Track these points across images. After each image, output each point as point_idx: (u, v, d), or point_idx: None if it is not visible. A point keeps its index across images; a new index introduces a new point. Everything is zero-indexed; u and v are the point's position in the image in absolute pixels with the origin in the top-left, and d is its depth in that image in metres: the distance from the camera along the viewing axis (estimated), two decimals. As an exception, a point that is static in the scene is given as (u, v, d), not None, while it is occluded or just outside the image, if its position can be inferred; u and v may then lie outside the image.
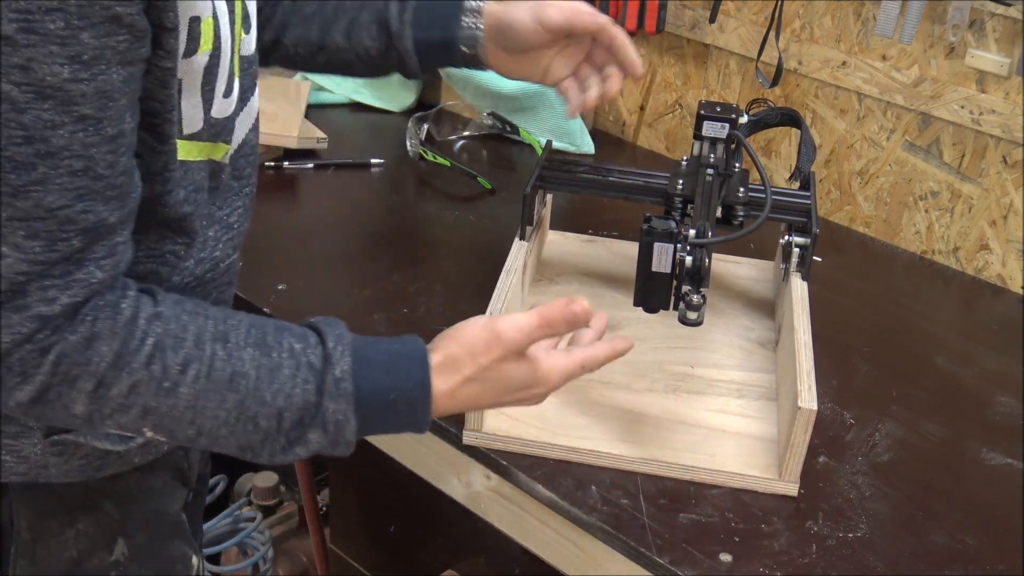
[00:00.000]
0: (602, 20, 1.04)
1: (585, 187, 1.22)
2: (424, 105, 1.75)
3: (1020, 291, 1.40)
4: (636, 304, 1.04)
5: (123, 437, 0.88)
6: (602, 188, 1.21)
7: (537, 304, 1.22)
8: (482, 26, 1.06)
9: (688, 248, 0.99)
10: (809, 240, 1.12)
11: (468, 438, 1.03)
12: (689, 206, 1.13)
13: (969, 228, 1.43)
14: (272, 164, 1.55)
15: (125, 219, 0.73)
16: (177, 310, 0.75)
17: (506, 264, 1.13)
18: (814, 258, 1.19)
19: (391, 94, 1.74)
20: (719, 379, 1.13)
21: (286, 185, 1.53)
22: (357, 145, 1.65)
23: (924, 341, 1.28)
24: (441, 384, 0.82)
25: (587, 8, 1.05)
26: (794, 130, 1.46)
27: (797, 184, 1.22)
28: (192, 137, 0.80)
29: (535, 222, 1.21)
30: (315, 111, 1.71)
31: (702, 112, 1.16)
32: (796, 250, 1.14)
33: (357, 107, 1.77)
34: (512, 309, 1.11)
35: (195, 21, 0.74)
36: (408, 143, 1.60)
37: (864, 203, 1.52)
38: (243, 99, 0.87)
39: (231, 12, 0.80)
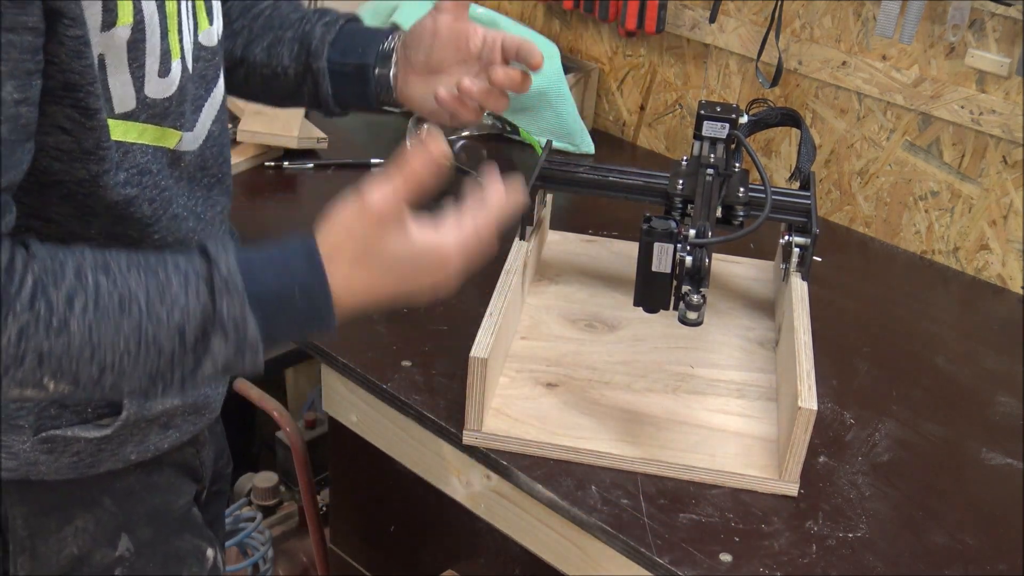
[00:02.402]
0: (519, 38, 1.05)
1: (585, 187, 1.22)
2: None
3: (1020, 291, 1.40)
4: (636, 304, 1.04)
5: (100, 423, 0.88)
6: (602, 188, 1.21)
7: (538, 305, 1.22)
8: (397, 48, 1.05)
9: (688, 248, 0.99)
10: (809, 240, 1.13)
11: (468, 438, 1.03)
12: (689, 206, 1.13)
13: (969, 228, 1.43)
14: (272, 164, 1.55)
15: (8, 178, 0.70)
16: (52, 250, 0.72)
17: (506, 264, 1.13)
18: (814, 258, 1.19)
19: (391, 94, 1.73)
20: (719, 379, 1.13)
21: (286, 185, 1.53)
22: (357, 145, 1.65)
23: (924, 341, 1.28)
24: (332, 271, 0.77)
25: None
26: (794, 130, 1.46)
27: (797, 184, 1.22)
28: (126, 117, 0.79)
29: (535, 222, 1.22)
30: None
31: (702, 112, 1.16)
32: (796, 250, 1.14)
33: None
34: (512, 309, 1.12)
35: None
36: (408, 143, 1.60)
37: (864, 203, 1.52)
38: (206, 88, 0.86)
39: None
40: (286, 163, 1.56)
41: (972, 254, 1.44)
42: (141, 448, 0.92)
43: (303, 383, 1.81)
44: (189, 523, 1.01)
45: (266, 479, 1.76)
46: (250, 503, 1.77)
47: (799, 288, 1.13)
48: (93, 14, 0.72)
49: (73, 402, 0.88)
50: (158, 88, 0.81)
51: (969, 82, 1.36)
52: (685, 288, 0.98)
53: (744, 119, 1.17)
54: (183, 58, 0.83)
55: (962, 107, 1.37)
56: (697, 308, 0.98)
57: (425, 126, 0.80)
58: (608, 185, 1.21)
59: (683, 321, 1.00)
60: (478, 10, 1.65)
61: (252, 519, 1.70)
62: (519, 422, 1.05)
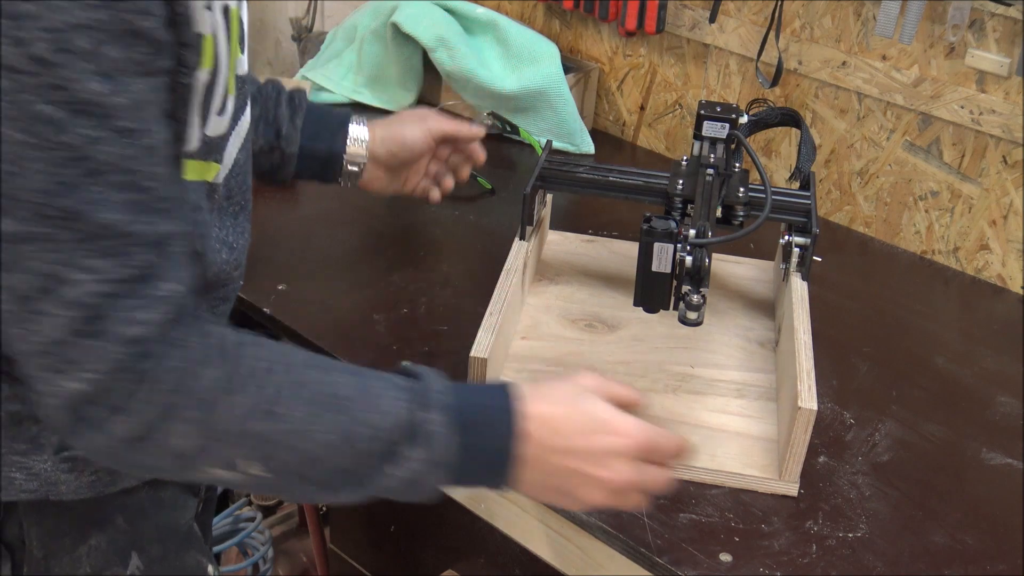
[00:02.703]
0: (473, 128, 1.27)
1: (585, 187, 1.22)
2: (424, 105, 1.74)
3: (1020, 291, 1.40)
4: (636, 304, 1.04)
5: None
6: (602, 188, 1.21)
7: (538, 305, 1.22)
8: (366, 140, 1.18)
9: (688, 248, 0.99)
10: (809, 240, 1.12)
11: None
12: (689, 206, 1.13)
13: (969, 228, 1.43)
14: (272, 164, 1.55)
15: (182, 228, 0.71)
16: (256, 338, 0.74)
17: (506, 264, 1.13)
18: (814, 258, 1.19)
19: (391, 94, 1.73)
20: (719, 379, 1.13)
21: (286, 185, 1.52)
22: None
23: (924, 341, 1.28)
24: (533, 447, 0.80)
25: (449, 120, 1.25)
26: (794, 130, 1.46)
27: (797, 184, 1.22)
28: (191, 156, 0.79)
29: (535, 222, 1.22)
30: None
31: (702, 112, 1.16)
32: (796, 250, 1.14)
33: (357, 107, 1.76)
34: (512, 309, 1.11)
35: (198, 37, 0.74)
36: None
37: (864, 203, 1.52)
38: (235, 118, 0.87)
39: (228, 29, 0.80)
40: (286, 163, 1.55)
41: (972, 254, 1.44)
42: None
43: (303, 383, 1.80)
44: (192, 539, 1.00)
45: (266, 479, 1.76)
46: (250, 503, 1.77)
47: (799, 288, 1.13)
48: (192, 65, 0.74)
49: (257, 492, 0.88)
50: (217, 126, 0.82)
51: (969, 82, 1.36)
52: (685, 288, 0.98)
53: (744, 119, 1.17)
54: (234, 95, 0.84)
55: (962, 107, 1.37)
56: (697, 308, 0.98)
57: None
58: (608, 185, 1.21)
59: (683, 321, 1.00)
60: (478, 10, 1.65)
61: (252, 519, 1.70)
62: None
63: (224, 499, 1.84)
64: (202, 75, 0.76)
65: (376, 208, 1.46)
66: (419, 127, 1.22)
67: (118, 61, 0.65)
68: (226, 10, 0.78)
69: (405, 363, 0.81)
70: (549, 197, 1.31)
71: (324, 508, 1.57)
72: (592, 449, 0.81)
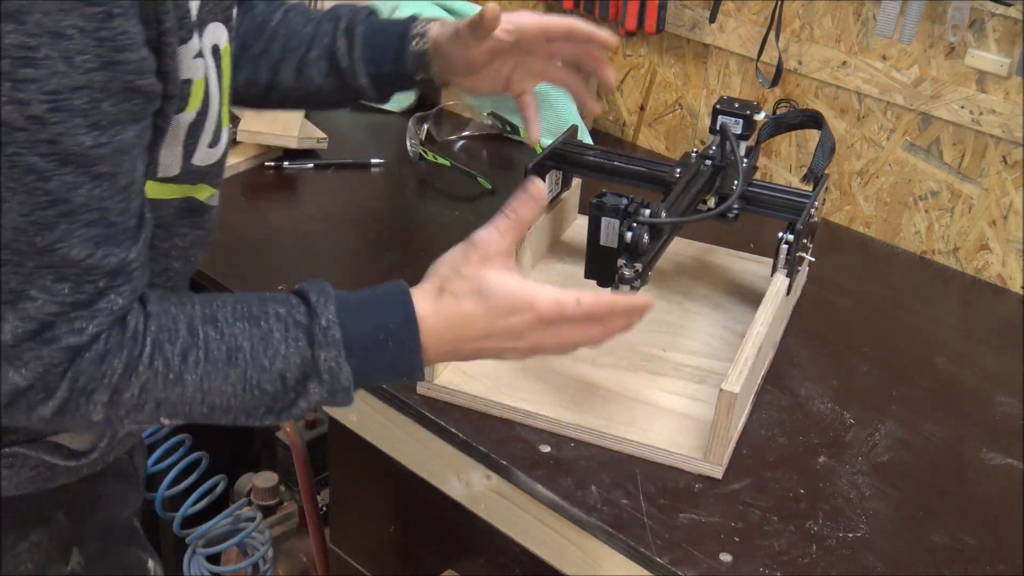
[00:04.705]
0: (569, 20, 1.08)
1: (589, 170, 1.26)
2: (424, 105, 1.74)
3: (1020, 291, 1.40)
4: (587, 276, 1.08)
5: (73, 452, 0.89)
6: (606, 173, 1.24)
7: (538, 280, 1.23)
8: (428, 49, 1.08)
9: (633, 225, 1.01)
10: (793, 237, 1.14)
11: (421, 389, 1.07)
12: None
13: (969, 228, 1.43)
14: (272, 164, 1.55)
15: (140, 251, 0.76)
16: (165, 305, 0.77)
17: None
18: (809, 258, 1.20)
19: (391, 94, 1.73)
20: (686, 364, 1.15)
21: (286, 185, 1.53)
22: (357, 145, 1.65)
23: (924, 341, 1.28)
24: (426, 311, 0.82)
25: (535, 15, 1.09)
26: (793, 131, 1.46)
27: (811, 185, 1.23)
28: (167, 180, 0.82)
29: (547, 201, 1.24)
30: (315, 111, 1.71)
31: (718, 107, 1.19)
32: (784, 247, 1.15)
33: (357, 107, 1.75)
34: None
35: (186, 83, 0.77)
36: (408, 143, 1.60)
37: (864, 203, 1.52)
38: (227, 143, 0.90)
39: (218, 68, 0.82)
40: (286, 163, 1.56)
41: (972, 254, 1.44)
42: (92, 463, 0.92)
43: (303, 383, 1.80)
44: (133, 535, 1.01)
45: (266, 479, 1.76)
46: (250, 503, 1.77)
47: (777, 283, 1.14)
48: (169, 111, 0.76)
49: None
50: (205, 156, 0.85)
51: (969, 82, 1.36)
52: (620, 261, 1.02)
53: (760, 116, 1.19)
54: (228, 124, 0.88)
55: (962, 107, 1.37)
56: (629, 282, 1.02)
57: (529, 177, 0.87)
58: (612, 170, 1.24)
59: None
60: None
61: (252, 519, 1.70)
62: (472, 379, 1.08)
63: (224, 499, 1.84)
64: (187, 116, 0.79)
65: (376, 208, 1.46)
66: (459, 41, 1.07)
67: (111, 114, 0.68)
68: (215, 49, 0.81)
69: (300, 285, 0.83)
70: (577, 182, 1.34)
71: (324, 508, 1.57)
72: (497, 331, 0.83)
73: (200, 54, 0.78)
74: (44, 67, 0.64)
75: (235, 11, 0.87)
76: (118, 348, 0.74)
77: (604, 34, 1.08)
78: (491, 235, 0.84)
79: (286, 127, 1.55)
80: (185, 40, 0.75)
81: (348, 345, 0.79)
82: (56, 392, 0.73)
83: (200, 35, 0.78)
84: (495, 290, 0.82)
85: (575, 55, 1.11)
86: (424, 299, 0.82)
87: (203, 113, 0.81)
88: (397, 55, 1.09)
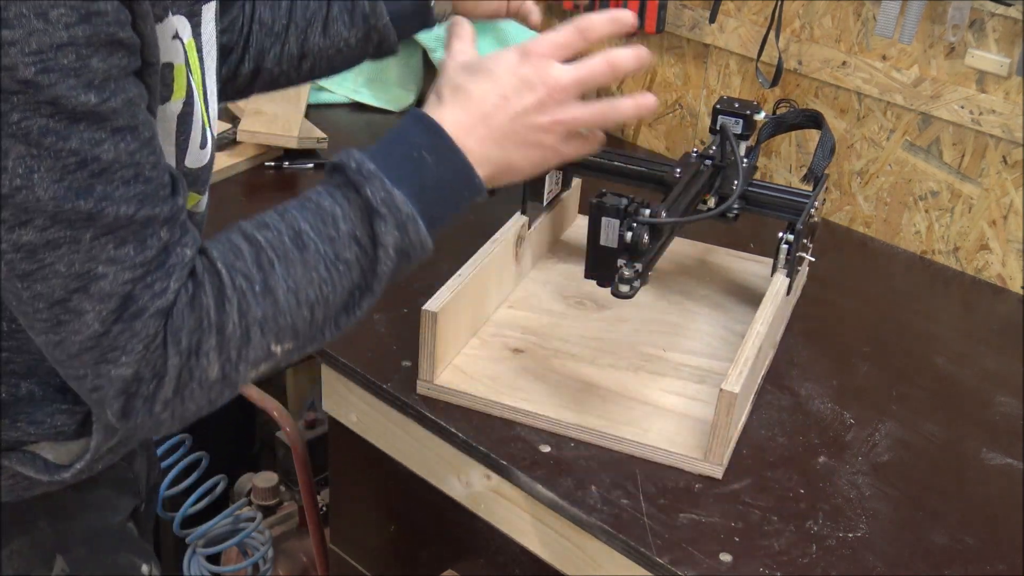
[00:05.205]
0: None
1: (589, 170, 1.26)
2: (424, 104, 1.74)
3: (1020, 291, 1.40)
4: (587, 276, 1.08)
5: (50, 467, 0.86)
6: (606, 172, 1.25)
7: (538, 279, 1.24)
8: None
9: (633, 225, 1.01)
10: (793, 237, 1.14)
11: (421, 388, 1.08)
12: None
13: (969, 228, 1.43)
14: (272, 164, 1.55)
15: (185, 203, 0.74)
16: (213, 239, 0.76)
17: (496, 234, 1.16)
18: (809, 258, 1.20)
19: (391, 94, 1.74)
20: (686, 364, 1.15)
21: (286, 185, 1.53)
22: (357, 145, 1.65)
23: (924, 341, 1.28)
24: (448, 116, 0.80)
25: None
26: (794, 132, 1.46)
27: (811, 185, 1.23)
28: None
29: (544, 200, 1.23)
30: (315, 111, 1.71)
31: (718, 107, 1.19)
32: (784, 247, 1.15)
33: (357, 107, 1.77)
34: (490, 275, 1.16)
35: (167, 67, 0.75)
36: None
37: (864, 203, 1.52)
38: (213, 146, 0.88)
39: (188, 62, 0.80)
40: (286, 163, 1.56)
41: (972, 254, 1.44)
42: (77, 474, 0.89)
43: (303, 383, 1.80)
44: (125, 540, 0.99)
45: (266, 479, 1.76)
46: (250, 503, 1.77)
47: (777, 283, 1.14)
48: (156, 84, 0.74)
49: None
50: (197, 158, 0.83)
51: (969, 82, 1.36)
52: (620, 261, 1.02)
53: (760, 116, 1.19)
54: (211, 125, 0.86)
55: (962, 107, 1.37)
56: (629, 282, 1.02)
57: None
58: (611, 170, 1.24)
59: (616, 294, 1.03)
60: (478, 10, 1.65)
61: (252, 519, 1.70)
62: (471, 379, 1.09)
63: (224, 499, 1.84)
64: (174, 107, 0.78)
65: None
66: None
67: (103, 70, 0.66)
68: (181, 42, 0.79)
69: (327, 162, 0.81)
70: (577, 182, 1.34)
71: (324, 508, 1.57)
72: (509, 88, 0.80)
73: (177, 36, 0.76)
74: (20, 26, 0.62)
75: (204, 10, 0.85)
76: (199, 288, 0.71)
77: None
78: (449, 47, 0.85)
79: (286, 127, 1.55)
80: (161, 18, 0.74)
81: (389, 172, 0.77)
82: (167, 366, 0.70)
83: (175, 19, 0.76)
84: (481, 61, 0.82)
85: None
86: (432, 108, 0.81)
87: (189, 105, 0.80)
88: None
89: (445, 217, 0.80)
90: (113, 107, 0.67)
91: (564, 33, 0.81)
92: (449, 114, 0.80)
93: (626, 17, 0.84)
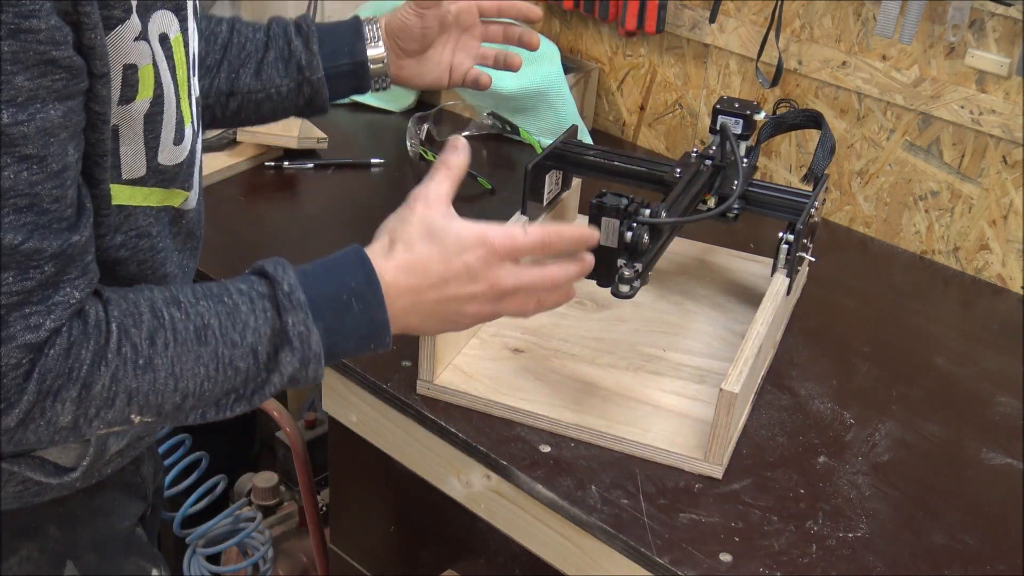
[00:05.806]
0: None
1: (589, 170, 1.26)
2: (424, 105, 1.75)
3: (1020, 291, 1.40)
4: (587, 276, 1.08)
5: (59, 469, 0.86)
6: (606, 172, 1.24)
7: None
8: (382, 36, 1.14)
9: (633, 225, 1.01)
10: (793, 237, 1.14)
11: (421, 388, 1.08)
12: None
13: (969, 228, 1.43)
14: (272, 164, 1.55)
15: (87, 241, 0.73)
16: (122, 292, 0.76)
17: None
18: (809, 258, 1.20)
19: (391, 94, 1.74)
20: (686, 364, 1.15)
21: (286, 185, 1.53)
22: (357, 145, 1.65)
23: (924, 341, 1.28)
24: (384, 265, 0.82)
25: None
26: (793, 132, 1.46)
27: (811, 185, 1.23)
28: (135, 183, 0.80)
29: (544, 199, 1.23)
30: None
31: (718, 107, 1.19)
32: (784, 247, 1.15)
33: (357, 107, 1.77)
34: None
35: (130, 69, 0.74)
36: (408, 143, 1.60)
37: (864, 203, 1.52)
38: (195, 142, 0.87)
39: (168, 58, 0.79)
40: (286, 163, 1.56)
41: (972, 254, 1.44)
42: (86, 476, 0.89)
43: (303, 383, 1.80)
44: (134, 545, 0.99)
45: (266, 479, 1.76)
46: (250, 503, 1.77)
47: (777, 283, 1.14)
48: (114, 88, 0.73)
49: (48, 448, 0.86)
50: (171, 155, 0.82)
51: (969, 82, 1.36)
52: (620, 261, 1.02)
53: (760, 116, 1.19)
54: (192, 121, 0.84)
55: (962, 107, 1.37)
56: (629, 282, 1.02)
57: (454, 135, 0.89)
58: (611, 170, 1.24)
59: (615, 294, 1.03)
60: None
61: (252, 519, 1.70)
62: (472, 379, 1.09)
63: (224, 499, 1.85)
64: (139, 106, 0.76)
65: (376, 208, 1.46)
66: (411, 11, 1.14)
67: (28, 89, 0.65)
68: (164, 38, 0.78)
69: (254, 264, 0.82)
70: (577, 182, 1.34)
71: (324, 508, 1.57)
72: (453, 272, 0.83)
73: (143, 38, 0.75)
74: None
75: (190, 5, 0.84)
76: (83, 338, 0.71)
77: (531, 10, 1.16)
78: (428, 185, 0.85)
79: (286, 127, 1.55)
80: (121, 20, 0.72)
81: (314, 307, 0.78)
82: (22, 397, 0.69)
83: (145, 20, 0.75)
84: (445, 229, 0.83)
85: (502, 36, 1.20)
86: (379, 255, 0.82)
87: (158, 104, 0.78)
88: (352, 46, 1.13)
89: (343, 357, 0.83)
90: (24, 132, 0.66)
91: (531, 241, 0.85)
92: (391, 272, 0.82)
93: (594, 238, 0.89)
